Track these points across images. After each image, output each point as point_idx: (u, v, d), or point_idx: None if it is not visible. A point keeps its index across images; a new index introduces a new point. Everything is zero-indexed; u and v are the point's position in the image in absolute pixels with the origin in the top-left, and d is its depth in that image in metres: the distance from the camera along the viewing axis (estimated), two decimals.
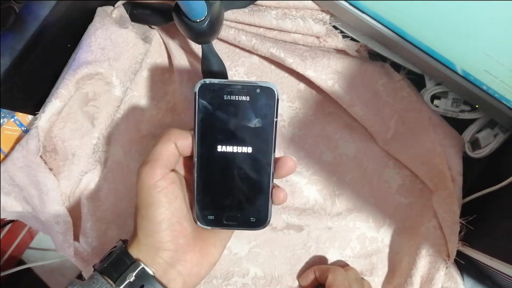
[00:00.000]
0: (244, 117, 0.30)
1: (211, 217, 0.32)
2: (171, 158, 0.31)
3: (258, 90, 0.30)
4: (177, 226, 0.31)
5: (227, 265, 0.47)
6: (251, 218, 0.32)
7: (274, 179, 0.32)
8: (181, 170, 0.34)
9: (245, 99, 0.30)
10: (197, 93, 0.30)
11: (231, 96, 0.30)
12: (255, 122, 0.30)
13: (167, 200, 0.30)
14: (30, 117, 0.44)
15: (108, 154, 0.47)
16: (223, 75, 0.42)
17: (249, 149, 0.31)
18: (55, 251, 0.59)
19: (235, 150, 0.31)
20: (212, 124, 0.30)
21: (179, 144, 0.31)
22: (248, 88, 0.30)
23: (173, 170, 0.32)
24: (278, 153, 0.32)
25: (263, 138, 0.30)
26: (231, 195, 0.32)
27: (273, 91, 0.30)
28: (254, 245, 0.47)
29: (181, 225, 0.31)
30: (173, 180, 0.31)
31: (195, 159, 0.31)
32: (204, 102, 0.30)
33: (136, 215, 0.31)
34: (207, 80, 0.30)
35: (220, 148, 0.31)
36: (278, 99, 0.30)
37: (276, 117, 0.30)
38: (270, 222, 0.32)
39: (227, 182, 0.31)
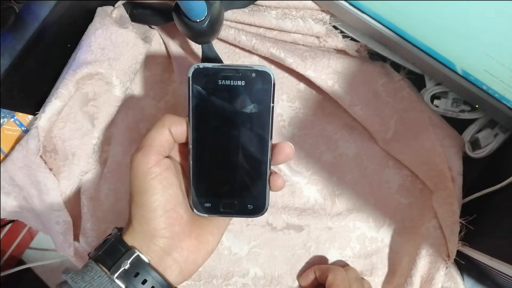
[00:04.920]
0: (239, 102, 0.29)
1: (207, 205, 0.31)
2: (165, 144, 0.30)
3: (253, 74, 0.29)
4: (172, 213, 0.30)
5: (227, 265, 0.47)
6: (249, 206, 0.31)
7: (271, 166, 0.31)
8: (177, 157, 0.33)
9: (240, 84, 0.29)
10: (190, 78, 0.29)
11: (226, 81, 0.29)
12: (251, 108, 0.29)
13: (162, 187, 0.30)
14: (30, 117, 0.44)
15: (108, 154, 0.47)
16: None
17: (245, 135, 0.30)
18: (55, 251, 0.59)
19: (231, 136, 0.30)
20: (206, 109, 0.29)
21: (174, 130, 0.30)
22: (243, 72, 0.29)
23: (168, 157, 0.31)
24: None
25: (260, 123, 0.30)
26: (227, 182, 0.31)
27: (269, 75, 0.29)
28: (254, 245, 0.47)
29: (177, 212, 0.30)
30: (168, 167, 0.30)
31: (190, 146, 0.30)
32: (198, 87, 0.29)
33: (130, 202, 0.31)
34: (201, 65, 0.29)
35: (215, 134, 0.30)
36: (274, 83, 0.29)
37: (273, 102, 0.29)
38: (267, 210, 0.32)
39: (224, 169, 0.31)
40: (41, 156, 0.42)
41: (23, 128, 0.44)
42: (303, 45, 0.46)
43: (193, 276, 0.34)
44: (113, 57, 0.43)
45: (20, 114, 0.44)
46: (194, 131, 0.30)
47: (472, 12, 0.33)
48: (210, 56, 0.41)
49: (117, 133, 0.47)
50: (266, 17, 0.44)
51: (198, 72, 0.29)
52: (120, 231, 0.32)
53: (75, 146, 0.44)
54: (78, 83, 0.42)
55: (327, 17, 0.45)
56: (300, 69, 0.44)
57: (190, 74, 0.29)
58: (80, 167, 0.44)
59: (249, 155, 0.30)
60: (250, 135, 0.30)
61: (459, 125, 0.46)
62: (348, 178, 0.47)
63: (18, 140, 0.43)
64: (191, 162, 0.31)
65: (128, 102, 0.47)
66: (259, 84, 0.29)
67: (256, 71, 0.29)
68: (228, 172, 0.31)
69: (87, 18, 0.44)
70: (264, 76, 0.29)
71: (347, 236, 0.47)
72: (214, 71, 0.29)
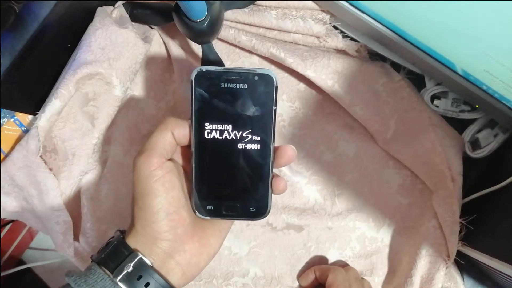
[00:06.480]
0: (242, 105, 0.29)
1: (210, 207, 0.31)
2: (167, 147, 0.30)
3: (256, 78, 0.29)
4: (175, 215, 0.30)
5: (227, 265, 0.47)
6: (251, 208, 0.31)
7: (273, 169, 0.31)
8: (179, 159, 0.33)
9: (243, 87, 0.29)
10: (193, 81, 0.29)
11: (229, 84, 0.29)
12: (253, 111, 0.29)
13: (164, 190, 0.30)
14: (30, 117, 0.44)
15: (108, 154, 0.47)
16: None
17: (247, 138, 0.30)
18: (55, 251, 0.60)
19: (233, 139, 0.30)
20: (209, 112, 0.30)
21: (176, 133, 0.30)
22: (246, 76, 0.29)
23: (170, 160, 0.31)
24: None
25: (262, 127, 0.30)
26: (230, 185, 0.31)
27: (272, 78, 0.29)
28: (254, 245, 0.47)
29: (179, 215, 0.31)
30: (170, 169, 0.30)
31: (193, 149, 0.30)
32: (201, 90, 0.29)
33: (133, 205, 0.31)
34: (204, 68, 0.29)
35: (218, 137, 0.30)
36: (277, 87, 0.29)
37: (275, 105, 0.29)
38: (269, 213, 0.32)
39: (226, 171, 0.31)
40: (41, 156, 0.42)
41: (23, 128, 0.44)
42: (303, 45, 0.46)
43: None
44: (113, 57, 0.43)
45: (20, 114, 0.44)
46: (196, 134, 0.30)
47: (472, 12, 0.33)
48: (210, 56, 0.41)
49: (117, 133, 0.47)
50: (266, 17, 0.44)
51: (201, 75, 0.29)
52: (123, 233, 0.32)
53: (75, 146, 0.44)
54: (78, 83, 0.42)
55: (327, 17, 0.45)
56: (300, 69, 0.44)
57: (193, 77, 0.29)
58: (80, 167, 0.44)
59: (251, 158, 0.30)
60: (253, 138, 0.30)
61: (459, 125, 0.46)
62: (348, 178, 0.47)
63: (18, 140, 0.43)
64: (193, 165, 0.31)
65: (128, 102, 0.47)
66: (261, 87, 0.29)
67: (259, 74, 0.29)
68: (230, 175, 0.31)
69: (87, 18, 0.44)
70: (266, 79, 0.29)
71: (347, 236, 0.47)
72: (217, 74, 0.29)
